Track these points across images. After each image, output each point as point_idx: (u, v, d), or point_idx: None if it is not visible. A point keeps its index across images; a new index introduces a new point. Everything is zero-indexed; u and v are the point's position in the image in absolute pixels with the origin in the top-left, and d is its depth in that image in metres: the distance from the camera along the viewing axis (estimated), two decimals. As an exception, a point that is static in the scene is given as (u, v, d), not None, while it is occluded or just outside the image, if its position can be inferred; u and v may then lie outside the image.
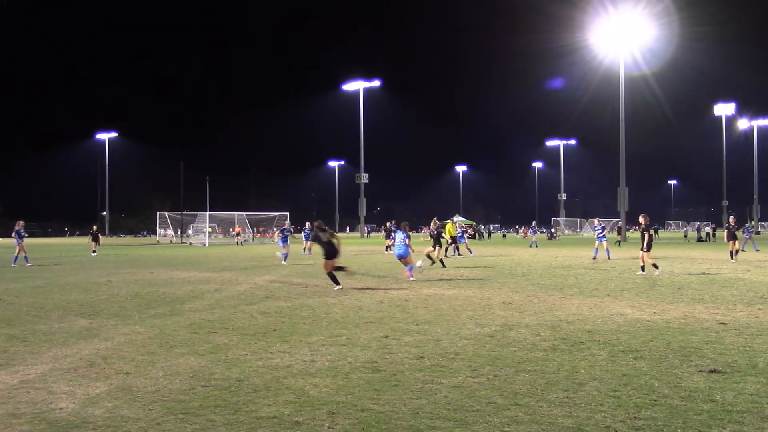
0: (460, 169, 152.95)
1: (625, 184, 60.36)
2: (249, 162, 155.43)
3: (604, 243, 27.54)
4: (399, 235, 17.81)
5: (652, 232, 20.62)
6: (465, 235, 34.29)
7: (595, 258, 26.92)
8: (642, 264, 18.66)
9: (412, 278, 17.18)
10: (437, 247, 23.49)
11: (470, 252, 32.21)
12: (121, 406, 5.56)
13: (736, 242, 26.12)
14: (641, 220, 19.10)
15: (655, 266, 18.16)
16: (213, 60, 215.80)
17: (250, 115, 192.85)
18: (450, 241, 29.34)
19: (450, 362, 7.18)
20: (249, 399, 5.76)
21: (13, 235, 26.28)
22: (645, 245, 18.26)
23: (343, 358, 7.50)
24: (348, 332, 9.25)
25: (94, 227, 38.47)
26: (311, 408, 5.48)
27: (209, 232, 60.00)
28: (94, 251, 35.66)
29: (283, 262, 26.46)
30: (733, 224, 26.36)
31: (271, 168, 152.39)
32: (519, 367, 6.88)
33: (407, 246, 17.56)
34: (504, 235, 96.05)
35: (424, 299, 13.14)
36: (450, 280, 17.66)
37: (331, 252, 14.99)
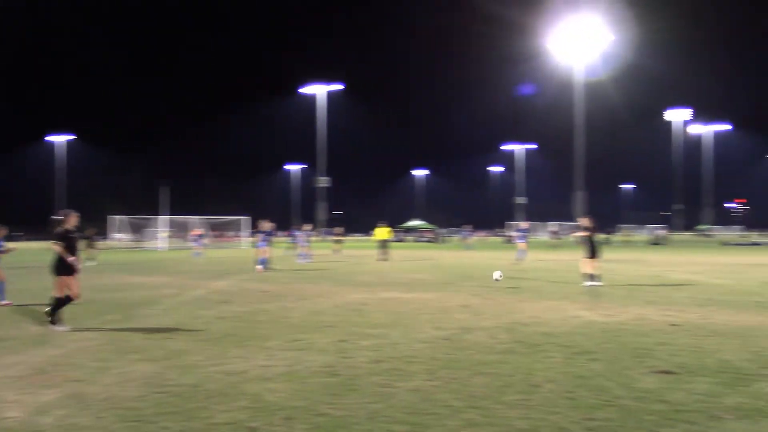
0: (420, 173, 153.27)
1: (581, 188, 61.31)
2: (207, 166, 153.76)
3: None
4: None
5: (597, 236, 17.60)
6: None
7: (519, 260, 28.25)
8: (589, 273, 16.39)
9: None
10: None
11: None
12: (72, 414, 5.43)
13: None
14: (585, 223, 16.88)
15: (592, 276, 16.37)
16: (169, 66, 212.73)
17: (207, 120, 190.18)
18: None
19: (407, 366, 7.19)
20: (203, 405, 5.68)
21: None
22: (590, 252, 16.47)
23: (300, 362, 7.45)
24: (306, 336, 9.19)
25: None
26: (267, 413, 5.43)
27: (167, 236, 59.09)
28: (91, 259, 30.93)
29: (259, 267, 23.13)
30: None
31: (230, 172, 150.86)
32: (475, 370, 6.92)
33: None
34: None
35: (382, 303, 13.15)
36: (407, 284, 17.70)
37: None
